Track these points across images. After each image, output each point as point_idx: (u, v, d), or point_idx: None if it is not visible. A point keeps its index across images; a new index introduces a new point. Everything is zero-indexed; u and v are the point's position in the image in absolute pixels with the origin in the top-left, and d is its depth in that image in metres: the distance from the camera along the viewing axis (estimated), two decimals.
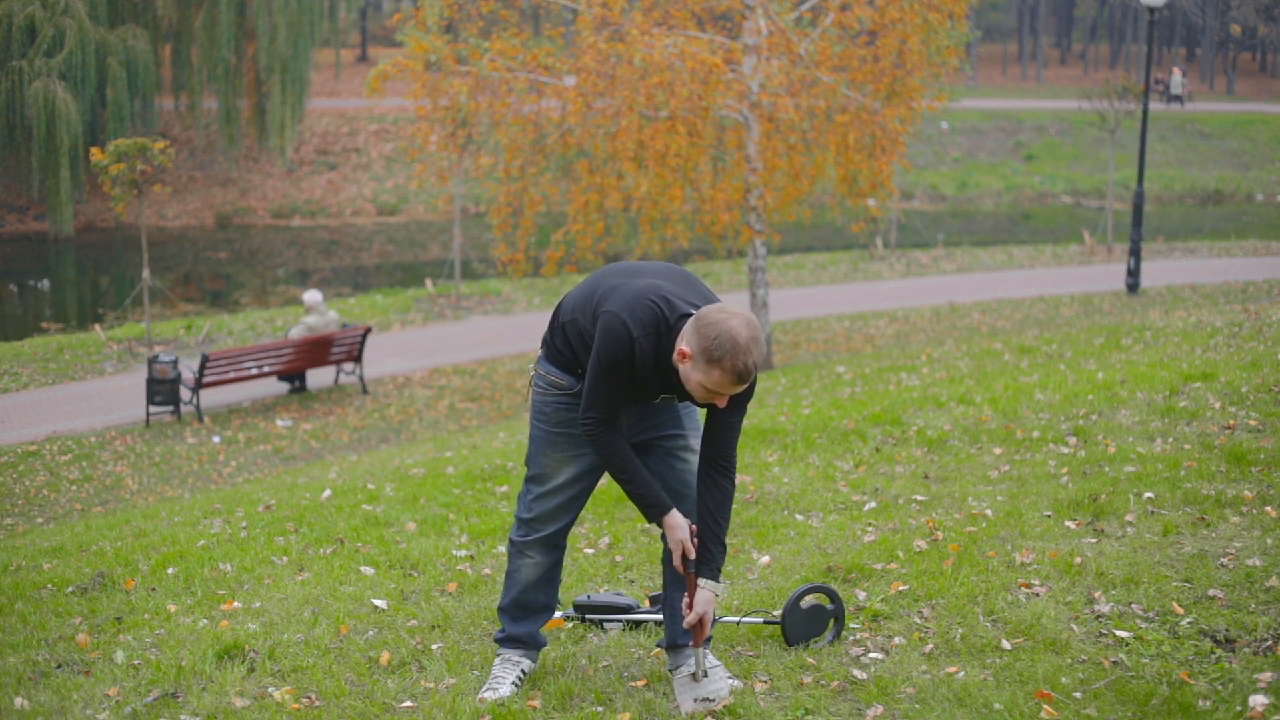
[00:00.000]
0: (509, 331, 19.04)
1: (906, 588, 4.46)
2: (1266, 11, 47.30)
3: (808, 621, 4.07)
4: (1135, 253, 20.33)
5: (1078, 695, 3.54)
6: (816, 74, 14.85)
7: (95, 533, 7.33)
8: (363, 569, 5.27)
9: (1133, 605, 4.14)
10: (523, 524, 3.86)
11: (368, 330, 15.72)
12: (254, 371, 14.83)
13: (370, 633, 4.42)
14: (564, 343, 3.67)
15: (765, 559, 4.99)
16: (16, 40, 27.75)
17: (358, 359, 15.70)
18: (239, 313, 21.81)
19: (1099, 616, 4.09)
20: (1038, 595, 4.29)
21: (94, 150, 16.96)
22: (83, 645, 4.49)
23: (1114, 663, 3.74)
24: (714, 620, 3.91)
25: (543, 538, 3.84)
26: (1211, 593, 4.17)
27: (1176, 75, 43.35)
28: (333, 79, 40.74)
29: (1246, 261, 24.05)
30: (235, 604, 4.88)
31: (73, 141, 27.28)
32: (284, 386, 15.83)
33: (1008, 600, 4.26)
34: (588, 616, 4.40)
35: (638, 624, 4.37)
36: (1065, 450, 6.33)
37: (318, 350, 15.28)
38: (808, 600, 4.09)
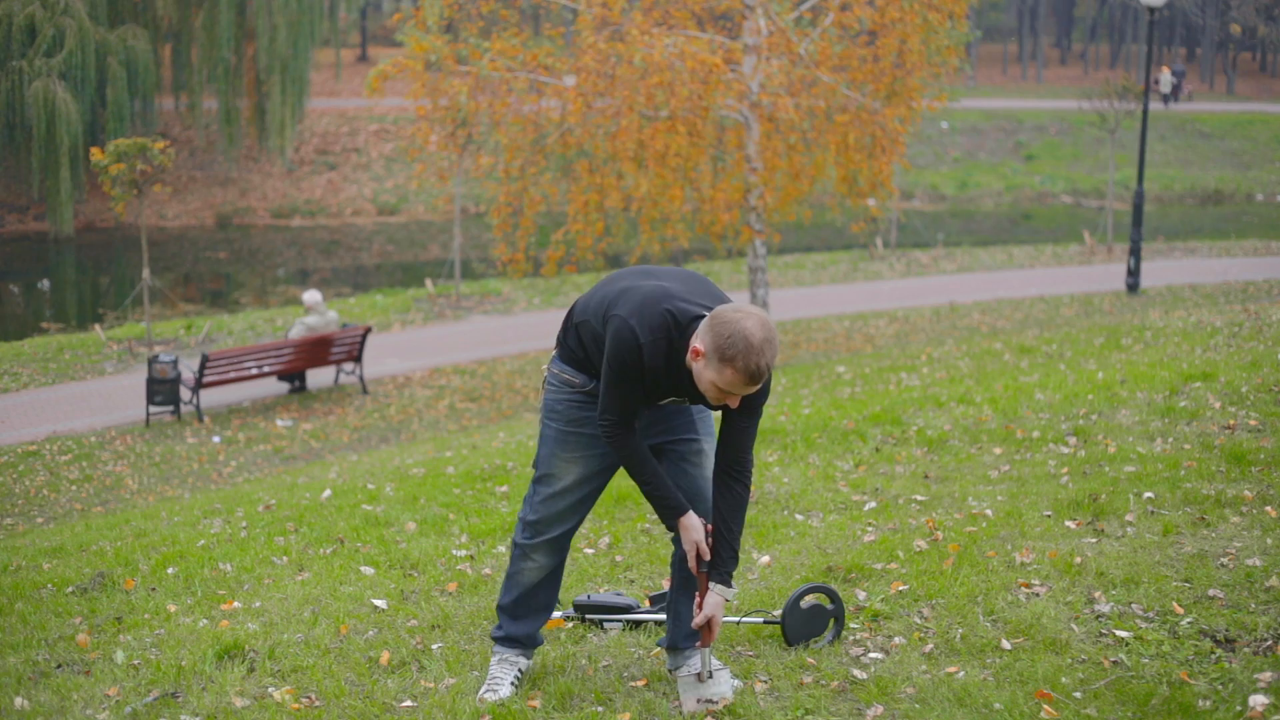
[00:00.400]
0: (509, 331, 19.04)
1: (906, 588, 4.46)
2: (1266, 11, 47.31)
3: (808, 621, 4.08)
4: (1135, 253, 20.33)
5: (1078, 695, 3.54)
6: (816, 74, 14.86)
7: (95, 533, 7.33)
8: (363, 569, 5.27)
9: (1133, 605, 4.14)
10: (528, 526, 3.84)
11: (368, 330, 15.72)
12: (254, 371, 14.83)
13: (370, 633, 4.42)
14: (577, 343, 3.68)
15: (765, 559, 4.99)
16: (16, 40, 27.75)
17: (358, 359, 15.70)
18: (239, 313, 21.80)
19: (1099, 616, 4.09)
20: (1038, 595, 4.29)
21: (94, 150, 16.96)
22: (83, 645, 4.49)
23: (1114, 663, 3.74)
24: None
25: (548, 540, 3.83)
26: (1211, 593, 4.17)
27: (1165, 74, 43.32)
28: (333, 79, 40.73)
29: (1246, 261, 24.05)
30: (235, 604, 4.88)
31: (73, 141, 27.28)
32: (284, 386, 15.83)
33: (1008, 600, 4.26)
34: (588, 616, 4.40)
35: (638, 624, 4.37)
36: (1065, 450, 6.33)
37: (318, 350, 15.28)
38: (808, 600, 4.09)
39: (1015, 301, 20.38)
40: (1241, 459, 5.65)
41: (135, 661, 4.26)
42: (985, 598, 4.29)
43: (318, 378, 16.23)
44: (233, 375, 14.61)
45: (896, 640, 4.04)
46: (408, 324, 19.93)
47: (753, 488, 6.15)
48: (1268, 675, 3.54)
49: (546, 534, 3.82)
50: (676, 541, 3.76)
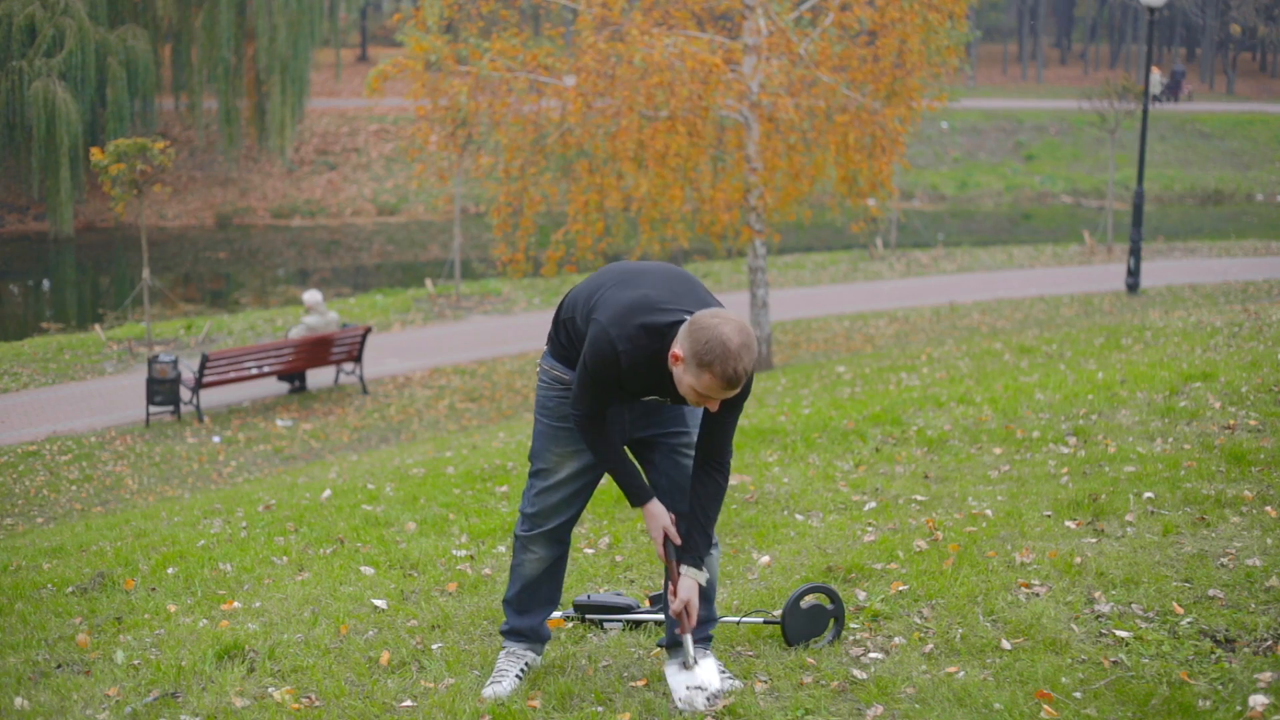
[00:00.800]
0: (509, 331, 19.04)
1: (906, 588, 4.46)
2: (1266, 11, 47.31)
3: (808, 621, 4.08)
4: (1135, 253, 20.33)
5: (1078, 695, 3.55)
6: (816, 74, 14.85)
7: (95, 533, 7.33)
8: (363, 569, 5.27)
9: (1133, 605, 4.14)
10: (526, 518, 3.91)
11: (368, 330, 15.72)
12: (254, 371, 14.83)
13: (370, 633, 4.42)
14: (566, 339, 3.74)
15: (765, 559, 4.99)
16: (16, 40, 27.74)
17: (358, 359, 15.70)
18: (239, 313, 21.80)
19: (1099, 616, 4.09)
20: (1038, 595, 4.29)
21: (94, 150, 16.96)
22: (83, 645, 4.49)
23: (1114, 663, 3.74)
24: (716, 620, 3.93)
25: (546, 532, 3.88)
26: (1211, 593, 4.17)
27: (1155, 75, 43.28)
28: (333, 79, 40.73)
29: (1246, 261, 24.05)
30: (235, 604, 4.88)
31: (73, 141, 27.27)
32: (284, 386, 15.83)
33: (1008, 600, 4.26)
34: (588, 616, 4.40)
35: (638, 624, 4.37)
36: (1065, 450, 6.33)
37: (318, 350, 15.28)
38: (808, 600, 4.09)
39: (1015, 301, 20.38)
40: (1241, 459, 5.65)
41: (135, 661, 4.26)
42: (985, 598, 4.29)
43: (318, 378, 16.23)
44: (233, 375, 14.61)
45: (896, 640, 4.04)
46: (408, 324, 19.93)
47: (753, 488, 6.17)
48: (1268, 675, 3.54)
49: (544, 526, 3.88)
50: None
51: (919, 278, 23.70)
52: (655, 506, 3.67)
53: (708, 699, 3.63)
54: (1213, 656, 3.72)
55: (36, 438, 13.57)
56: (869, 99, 15.22)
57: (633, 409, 3.76)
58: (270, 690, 3.92)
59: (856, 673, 3.81)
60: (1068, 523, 5.07)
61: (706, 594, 3.85)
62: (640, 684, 3.86)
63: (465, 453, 9.59)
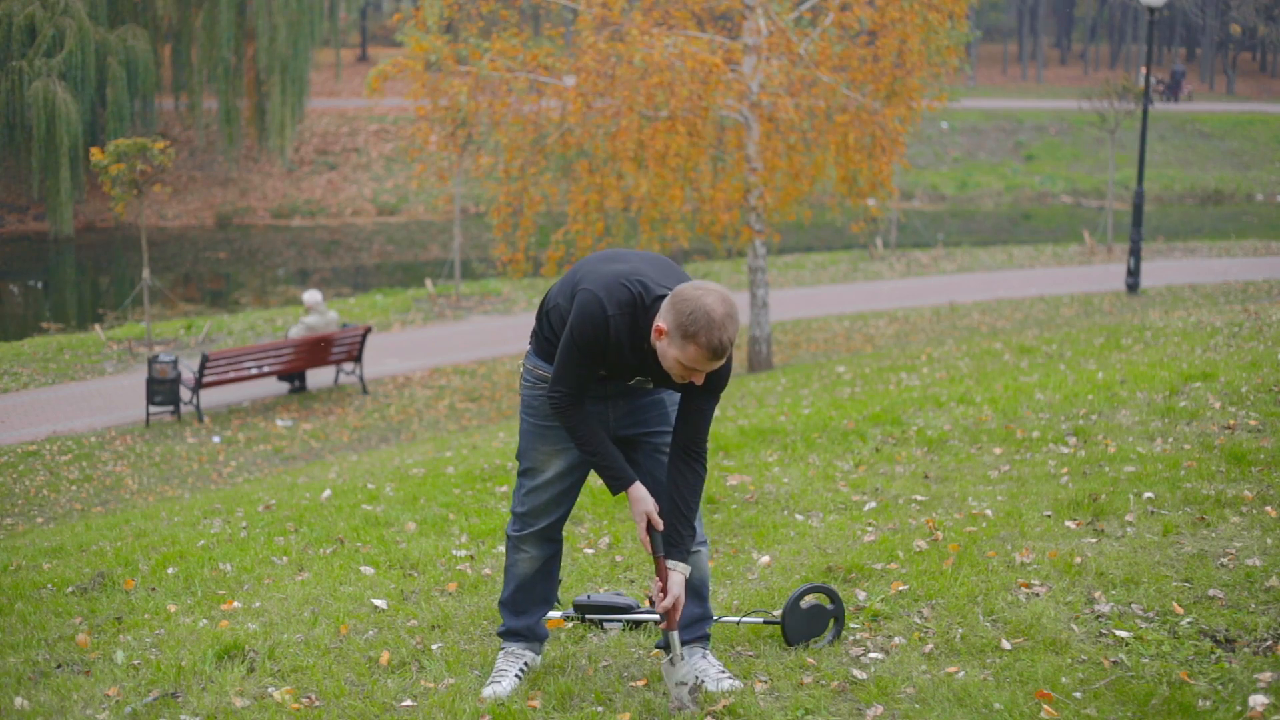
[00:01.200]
0: (509, 331, 19.04)
1: (906, 588, 4.46)
2: (1266, 11, 47.27)
3: (808, 621, 4.08)
4: (1135, 253, 20.33)
5: (1078, 695, 3.55)
6: (816, 74, 14.85)
7: (95, 533, 7.33)
8: (363, 569, 5.27)
9: (1133, 605, 4.14)
10: (517, 518, 3.91)
11: (368, 330, 15.72)
12: (254, 371, 14.83)
13: (370, 633, 4.42)
14: (550, 331, 3.71)
15: (765, 559, 4.99)
16: (16, 40, 27.74)
17: (358, 359, 15.70)
18: (239, 313, 21.80)
19: (1099, 616, 4.09)
20: (1038, 595, 4.29)
21: (94, 150, 16.96)
22: (83, 645, 4.49)
23: (1114, 663, 3.74)
24: (711, 619, 3.93)
25: (537, 531, 3.88)
26: (1211, 593, 4.17)
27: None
28: (333, 79, 40.72)
29: (1246, 261, 24.05)
30: (235, 604, 4.88)
31: (73, 141, 27.27)
32: (284, 386, 15.83)
33: (1008, 600, 4.26)
34: (587, 616, 4.40)
35: (638, 624, 4.37)
36: (1065, 450, 6.33)
37: (318, 350, 15.28)
38: (808, 600, 4.09)
39: (1015, 301, 20.38)
40: (1241, 459, 5.65)
41: (135, 661, 4.26)
42: (985, 598, 4.29)
43: (318, 378, 16.23)
44: (232, 375, 14.61)
45: (896, 640, 4.04)
46: (408, 324, 19.93)
47: (753, 488, 6.17)
48: (1268, 675, 3.54)
49: (535, 525, 3.88)
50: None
51: (919, 278, 23.70)
52: (639, 491, 3.62)
53: (690, 692, 3.62)
54: (1213, 656, 3.73)
55: (36, 438, 13.57)
56: (869, 99, 15.22)
57: (616, 406, 3.75)
58: (270, 690, 3.92)
59: (856, 673, 3.81)
60: (1068, 523, 5.07)
61: (699, 592, 3.84)
62: (640, 684, 3.86)
63: (465, 453, 9.59)
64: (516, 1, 16.31)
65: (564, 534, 4.22)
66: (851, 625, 4.20)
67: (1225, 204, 37.74)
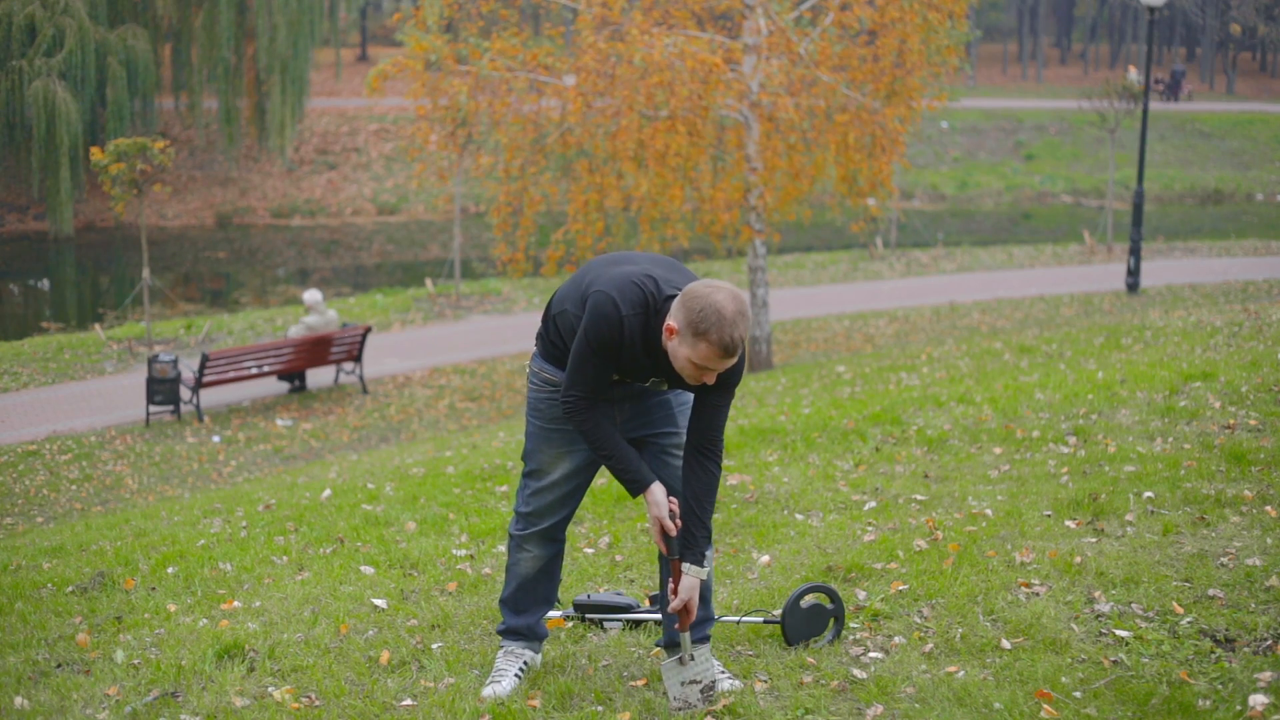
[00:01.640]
0: (509, 331, 19.04)
1: (906, 587, 4.46)
2: (1266, 11, 47.29)
3: (808, 621, 4.07)
4: (1135, 252, 20.33)
5: (1078, 695, 3.54)
6: (816, 74, 14.85)
7: (95, 532, 7.33)
8: (363, 569, 5.27)
9: (1133, 605, 4.14)
10: (521, 518, 3.90)
11: (367, 330, 15.72)
12: (254, 371, 14.83)
13: (370, 632, 4.42)
14: (556, 335, 3.70)
15: (765, 559, 4.99)
16: (16, 40, 27.73)
17: (358, 358, 15.70)
18: (239, 312, 21.80)
19: (1099, 616, 4.09)
20: (1038, 595, 4.29)
21: (94, 150, 16.96)
22: (83, 645, 4.49)
23: (1114, 662, 3.74)
24: (713, 619, 3.93)
25: (540, 531, 3.88)
26: (1211, 592, 4.17)
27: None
28: (333, 79, 40.71)
29: (1246, 261, 24.05)
30: (235, 603, 4.88)
31: (73, 141, 27.27)
32: (284, 386, 15.83)
33: (1008, 600, 4.26)
34: (588, 616, 4.40)
35: (638, 624, 4.37)
36: (1065, 450, 6.32)
37: (318, 350, 15.28)
38: (808, 600, 4.09)
39: (1015, 301, 20.38)
40: (1241, 459, 5.65)
41: (135, 661, 4.26)
42: (985, 597, 4.29)
43: (318, 377, 16.23)
44: (232, 375, 14.61)
45: (896, 640, 4.04)
46: (408, 324, 19.93)
47: (753, 487, 6.16)
48: (1268, 675, 3.54)
49: (538, 525, 3.87)
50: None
51: (919, 277, 23.70)
52: (656, 493, 3.58)
53: (702, 691, 3.62)
54: (1213, 656, 3.73)
55: (36, 437, 13.57)
56: (869, 99, 15.22)
57: (623, 409, 3.74)
58: (270, 690, 3.92)
59: (856, 672, 3.81)
60: (1068, 522, 5.07)
61: (703, 593, 3.84)
62: (640, 684, 3.86)
63: (465, 452, 9.59)
64: (516, 1, 16.31)
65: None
66: (851, 625, 4.20)
67: (1225, 204, 37.74)
